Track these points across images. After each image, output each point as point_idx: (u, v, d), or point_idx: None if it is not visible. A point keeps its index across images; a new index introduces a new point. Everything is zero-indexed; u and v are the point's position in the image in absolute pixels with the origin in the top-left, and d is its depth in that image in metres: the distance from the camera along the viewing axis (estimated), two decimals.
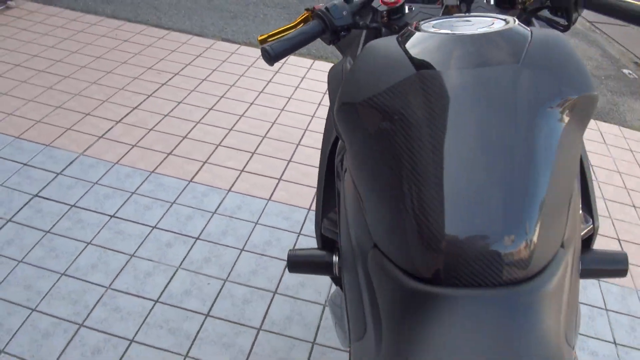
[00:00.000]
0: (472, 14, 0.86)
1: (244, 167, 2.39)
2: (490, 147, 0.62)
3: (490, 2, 1.09)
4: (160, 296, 1.76)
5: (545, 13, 1.05)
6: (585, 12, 5.58)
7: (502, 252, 0.60)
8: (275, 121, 2.74)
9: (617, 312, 1.98)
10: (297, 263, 1.05)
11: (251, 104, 2.87)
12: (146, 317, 1.68)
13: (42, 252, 1.86)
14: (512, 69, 0.67)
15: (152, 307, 1.72)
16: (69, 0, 3.81)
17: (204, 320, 1.69)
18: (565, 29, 1.03)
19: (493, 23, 0.78)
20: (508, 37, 0.72)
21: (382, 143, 0.68)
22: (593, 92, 0.71)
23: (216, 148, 2.49)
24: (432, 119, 0.65)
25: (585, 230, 1.02)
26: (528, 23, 1.13)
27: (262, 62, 3.30)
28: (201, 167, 2.36)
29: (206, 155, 2.44)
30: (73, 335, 1.61)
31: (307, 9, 1.06)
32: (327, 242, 1.08)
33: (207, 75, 3.09)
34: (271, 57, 0.98)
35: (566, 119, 0.67)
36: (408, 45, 0.74)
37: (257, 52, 3.47)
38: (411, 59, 0.71)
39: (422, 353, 0.56)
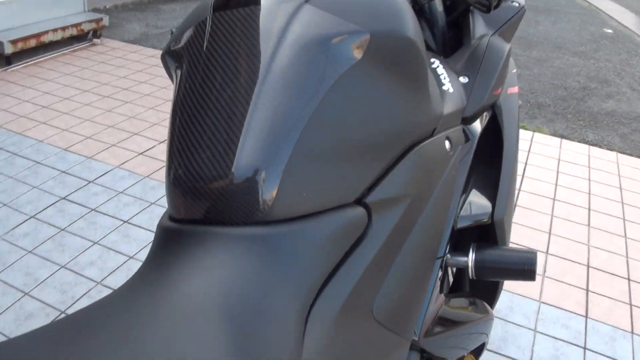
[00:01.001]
0: None
1: None
2: (249, 84, 0.58)
3: None
4: None
5: None
6: None
7: (238, 192, 0.55)
8: None
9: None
10: None
11: None
12: None
13: (52, 245, 1.98)
14: (293, 5, 0.63)
15: None
16: (155, 40, 4.16)
17: None
18: (487, 9, 0.98)
19: None
20: None
21: (175, 88, 0.67)
22: (400, 33, 0.64)
23: None
24: (208, 58, 0.62)
25: (476, 220, 0.91)
26: (465, 11, 1.08)
27: None
28: None
29: None
30: (54, 320, 1.67)
31: None
32: None
33: None
34: None
35: (354, 59, 0.60)
36: None
37: None
38: (214, 6, 0.69)
39: (157, 283, 0.52)
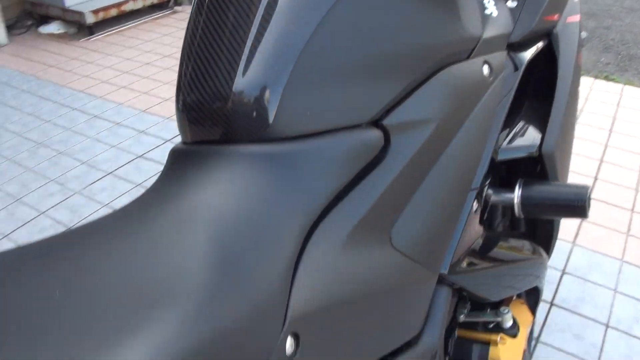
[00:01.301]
0: None
1: None
2: (254, 2, 0.56)
3: None
4: None
5: None
6: None
7: (240, 110, 0.54)
8: None
9: None
10: None
11: None
12: None
13: (127, 199, 2.08)
14: None
15: None
16: None
17: None
18: None
19: None
20: None
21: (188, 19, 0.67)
22: None
23: None
24: None
25: (521, 152, 0.86)
26: None
27: None
28: None
29: None
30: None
31: None
32: None
33: None
34: None
35: None
36: None
37: None
38: None
39: (162, 199, 0.53)
